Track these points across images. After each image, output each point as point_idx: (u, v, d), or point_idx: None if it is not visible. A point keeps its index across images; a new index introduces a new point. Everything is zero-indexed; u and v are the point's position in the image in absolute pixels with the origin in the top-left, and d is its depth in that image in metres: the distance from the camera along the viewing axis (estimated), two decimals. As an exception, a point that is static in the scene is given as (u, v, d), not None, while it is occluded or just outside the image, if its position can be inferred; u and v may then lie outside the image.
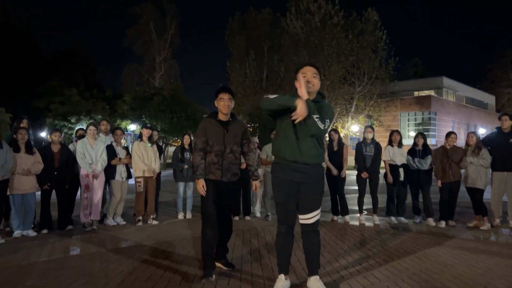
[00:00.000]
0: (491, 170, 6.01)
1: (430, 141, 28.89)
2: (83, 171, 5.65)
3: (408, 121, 35.36)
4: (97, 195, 5.75)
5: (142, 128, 6.25)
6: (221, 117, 3.56)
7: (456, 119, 37.38)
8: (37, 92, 35.07)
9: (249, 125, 31.55)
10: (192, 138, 6.45)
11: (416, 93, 37.90)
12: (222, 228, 3.58)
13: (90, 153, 5.68)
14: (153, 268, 3.81)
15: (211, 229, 3.44)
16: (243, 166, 5.25)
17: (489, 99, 46.80)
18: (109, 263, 3.99)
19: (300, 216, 3.07)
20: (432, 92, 36.96)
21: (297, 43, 31.33)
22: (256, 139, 7.12)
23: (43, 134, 31.85)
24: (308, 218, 3.04)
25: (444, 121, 35.33)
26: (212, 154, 3.45)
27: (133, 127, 32.72)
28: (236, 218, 6.54)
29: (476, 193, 5.97)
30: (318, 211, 3.07)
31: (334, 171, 6.29)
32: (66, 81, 36.57)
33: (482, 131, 37.36)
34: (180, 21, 46.75)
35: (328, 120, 2.94)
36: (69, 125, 33.02)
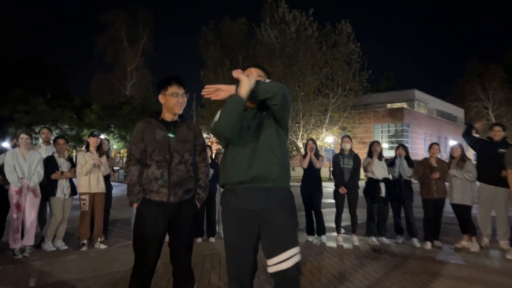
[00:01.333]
0: (478, 183, 5.50)
1: (404, 153, 28.89)
2: (13, 188, 4.75)
3: (382, 133, 35.50)
4: (30, 216, 4.85)
5: (89, 136, 5.42)
6: (166, 116, 2.65)
7: (428, 131, 37.86)
8: (0, 101, 33.35)
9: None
10: None
11: (389, 105, 38.21)
12: (177, 281, 2.57)
13: (22, 165, 4.79)
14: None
15: (142, 283, 2.48)
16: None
17: (458, 112, 47.87)
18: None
19: (269, 262, 2.03)
20: (404, 105, 37.36)
21: (271, 54, 31.04)
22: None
23: (6, 144, 30.16)
24: (280, 262, 1.98)
25: (416, 133, 35.66)
26: (152, 166, 2.53)
27: (102, 137, 31.39)
28: (199, 240, 5.76)
29: (463, 210, 5.42)
30: (295, 250, 2.04)
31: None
32: (33, 90, 35.02)
33: (452, 143, 37.89)
34: (153, 29, 45.74)
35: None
36: (34, 135, 31.46)
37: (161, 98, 2.62)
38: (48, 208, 5.35)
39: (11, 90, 34.15)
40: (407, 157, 5.82)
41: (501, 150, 5.21)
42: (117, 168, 24.78)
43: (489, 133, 5.65)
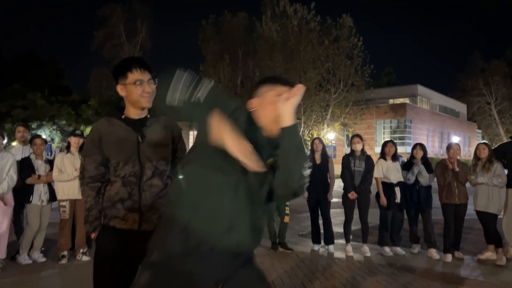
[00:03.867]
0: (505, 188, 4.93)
1: (406, 149, 28.38)
2: (-19, 194, 4.18)
3: (384, 129, 34.89)
4: (2, 226, 4.28)
5: (70, 136, 4.84)
6: (132, 113, 1.98)
7: (431, 127, 37.25)
8: (-3, 96, 32.86)
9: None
10: None
11: (391, 101, 37.58)
12: None
13: (-9, 169, 4.22)
14: None
15: None
16: None
17: (461, 107, 47.27)
18: None
19: None
20: (407, 100, 36.77)
21: (272, 48, 30.47)
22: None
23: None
24: None
25: (419, 129, 35.05)
26: (117, 183, 1.91)
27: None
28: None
29: (488, 219, 4.85)
30: None
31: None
32: (30, 85, 34.46)
33: (455, 139, 37.40)
34: (151, 24, 45.05)
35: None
36: (30, 131, 31.01)
37: (120, 89, 1.95)
38: (24, 216, 4.79)
39: (8, 85, 33.59)
40: (425, 158, 5.24)
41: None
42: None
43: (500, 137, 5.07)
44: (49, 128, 32.06)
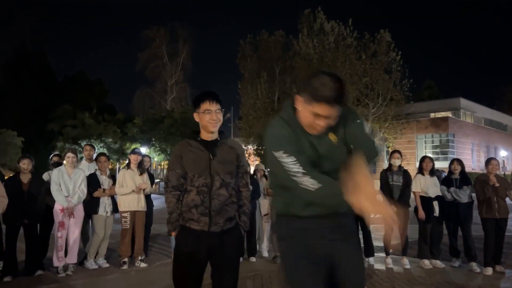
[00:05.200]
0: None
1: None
2: (57, 206, 4.79)
3: (425, 143, 34.04)
4: (74, 234, 4.87)
5: (130, 153, 5.42)
6: (205, 136, 2.45)
7: (476, 141, 35.90)
8: (51, 116, 35.23)
9: (257, 149, 30.77)
10: None
11: (432, 115, 36.66)
12: None
13: (67, 184, 4.83)
14: None
15: None
16: None
17: (508, 120, 45.20)
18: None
19: None
20: (449, 114, 35.71)
21: (309, 64, 30.81)
22: (262, 166, 6.24)
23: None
24: None
25: (463, 143, 33.90)
26: (192, 192, 2.34)
27: (143, 150, 32.34)
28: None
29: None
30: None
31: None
32: (79, 105, 36.73)
33: (503, 154, 35.77)
34: (191, 44, 46.76)
35: None
36: (79, 148, 33.09)
37: (196, 116, 2.44)
38: (90, 226, 5.37)
39: (59, 105, 35.94)
40: (463, 173, 5.37)
41: None
42: (158, 180, 25.26)
43: None
44: (97, 146, 33.93)
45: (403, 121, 30.67)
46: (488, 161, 5.31)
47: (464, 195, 5.24)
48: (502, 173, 5.16)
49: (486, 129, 38.85)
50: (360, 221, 5.45)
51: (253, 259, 5.65)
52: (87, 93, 42.18)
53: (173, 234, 2.38)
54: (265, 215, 6.01)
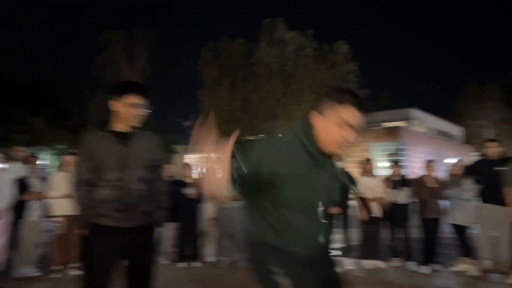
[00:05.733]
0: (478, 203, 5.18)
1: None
2: (-20, 210, 4.45)
3: (379, 152, 35.26)
4: (0, 240, 4.52)
5: (64, 154, 5.14)
6: (120, 127, 2.29)
7: (427, 150, 37.59)
8: (-3, 121, 33.34)
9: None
10: None
11: (386, 124, 38.08)
12: None
13: (-9, 186, 4.50)
14: None
15: None
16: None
17: (457, 130, 47.75)
18: None
19: None
20: (402, 123, 37.24)
21: (270, 73, 31.19)
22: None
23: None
24: None
25: (414, 152, 35.38)
26: (105, 187, 2.19)
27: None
28: (181, 264, 5.41)
29: (461, 231, 5.10)
30: None
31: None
32: (30, 110, 34.98)
33: (452, 162, 37.69)
34: (151, 49, 45.97)
35: None
36: (28, 152, 31.33)
37: (114, 105, 2.27)
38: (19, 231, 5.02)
39: (8, 110, 34.11)
40: (402, 176, 5.53)
41: (499, 168, 4.92)
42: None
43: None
44: (49, 153, 32.42)
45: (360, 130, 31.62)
46: (426, 163, 5.50)
47: (403, 196, 5.39)
48: (443, 177, 5.37)
49: (437, 138, 40.81)
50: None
51: (196, 264, 5.49)
52: (39, 98, 40.27)
53: (84, 231, 2.22)
54: (211, 219, 5.89)
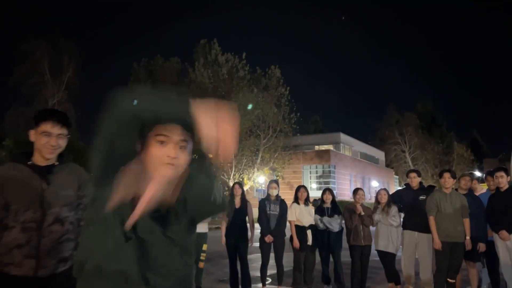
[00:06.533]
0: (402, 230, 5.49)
1: (331, 194, 29.76)
2: None
3: (310, 173, 36.50)
4: None
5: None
6: (39, 160, 2.04)
7: (353, 173, 39.68)
8: None
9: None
10: None
11: (316, 147, 39.70)
12: None
13: None
14: None
15: None
16: None
17: (380, 154, 51.14)
18: None
19: None
20: (331, 147, 39.07)
21: (204, 93, 31.10)
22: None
23: None
24: None
25: (342, 174, 37.17)
26: (15, 229, 1.90)
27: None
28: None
29: (387, 258, 5.33)
30: None
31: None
32: None
33: (375, 184, 40.11)
34: (79, 63, 43.58)
35: None
36: None
37: (32, 135, 2.03)
38: None
39: None
40: (333, 202, 5.69)
41: (421, 197, 5.28)
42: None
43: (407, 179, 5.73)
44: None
45: (291, 152, 32.55)
46: (355, 191, 5.72)
47: (335, 224, 5.53)
48: (370, 201, 5.70)
49: (362, 162, 43.33)
50: (238, 251, 5.36)
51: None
52: None
53: None
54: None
